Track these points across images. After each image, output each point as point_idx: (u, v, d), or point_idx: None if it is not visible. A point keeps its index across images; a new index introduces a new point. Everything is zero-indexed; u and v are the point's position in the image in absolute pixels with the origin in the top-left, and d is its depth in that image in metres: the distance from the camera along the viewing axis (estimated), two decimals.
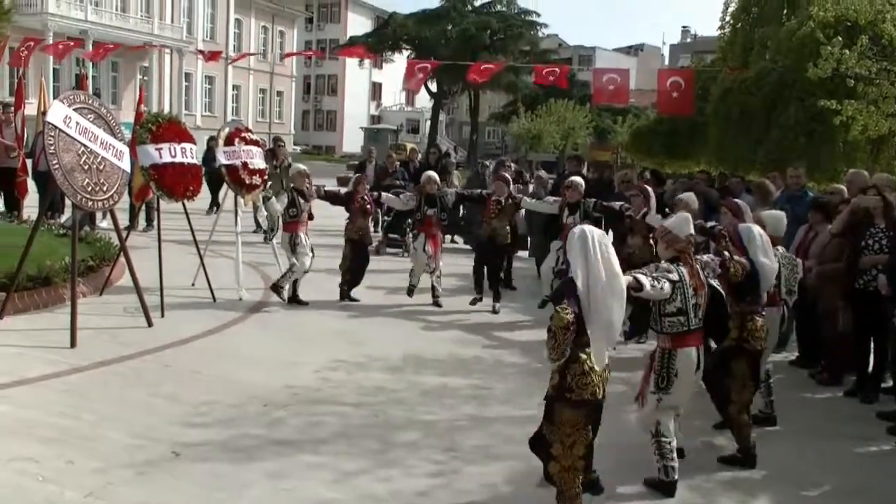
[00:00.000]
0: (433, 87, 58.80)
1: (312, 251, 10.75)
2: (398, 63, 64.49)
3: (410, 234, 12.17)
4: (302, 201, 10.63)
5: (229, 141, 11.24)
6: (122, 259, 10.29)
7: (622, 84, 16.78)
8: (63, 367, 7.48)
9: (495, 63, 20.23)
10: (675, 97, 16.28)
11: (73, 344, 8.09)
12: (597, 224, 10.81)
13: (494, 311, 11.12)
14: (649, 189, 10.32)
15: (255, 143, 11.63)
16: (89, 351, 7.99)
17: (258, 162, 11.30)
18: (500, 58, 57.18)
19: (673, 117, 19.51)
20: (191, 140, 10.34)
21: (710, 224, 8.92)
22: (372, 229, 12.98)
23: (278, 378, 7.62)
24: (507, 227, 11.23)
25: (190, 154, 10.12)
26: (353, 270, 11.20)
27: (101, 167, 8.79)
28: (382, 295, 11.50)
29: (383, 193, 11.81)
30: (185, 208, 11.33)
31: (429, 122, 64.26)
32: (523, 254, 14.34)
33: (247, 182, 10.94)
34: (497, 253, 11.30)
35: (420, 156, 17.23)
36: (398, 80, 68.69)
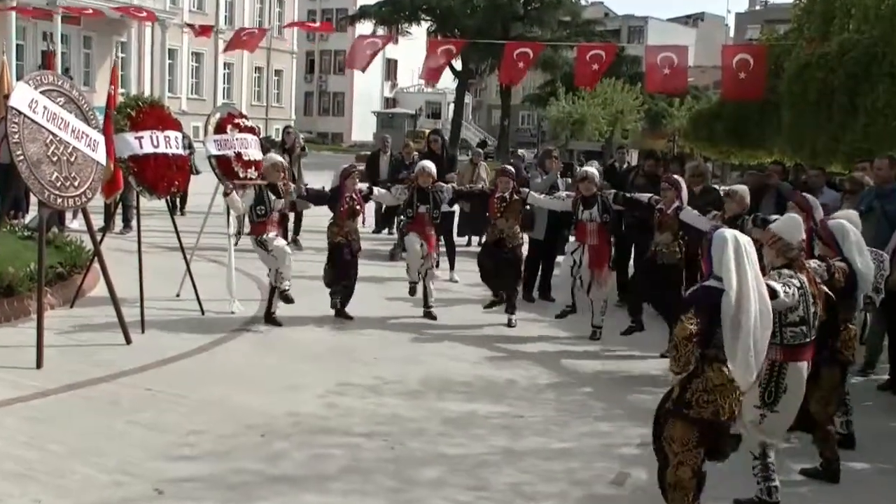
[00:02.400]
0: (457, 64, 58.77)
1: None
2: (416, 37, 64.60)
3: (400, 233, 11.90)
4: (273, 198, 10.37)
5: (220, 128, 11.30)
6: (95, 265, 10.37)
7: (679, 66, 16.36)
8: (28, 391, 7.52)
9: (532, 44, 19.58)
10: (744, 79, 16.07)
11: (39, 364, 8.13)
12: (617, 219, 10.88)
13: (510, 325, 11.16)
14: (681, 181, 10.38)
15: (251, 130, 11.68)
16: (58, 372, 8.03)
17: (253, 152, 11.35)
18: (535, 30, 57.24)
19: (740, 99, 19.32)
20: (176, 127, 10.41)
21: (773, 217, 8.93)
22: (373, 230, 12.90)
23: (278, 404, 7.64)
24: (517, 228, 11.21)
25: (175, 143, 10.19)
26: (343, 284, 10.93)
27: (73, 159, 8.84)
28: (397, 307, 11.52)
29: (374, 189, 11.60)
30: (168, 206, 11.42)
31: (452, 106, 64.31)
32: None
33: (241, 175, 10.98)
34: (507, 259, 11.17)
35: (437, 143, 16.46)
36: (416, 57, 68.81)
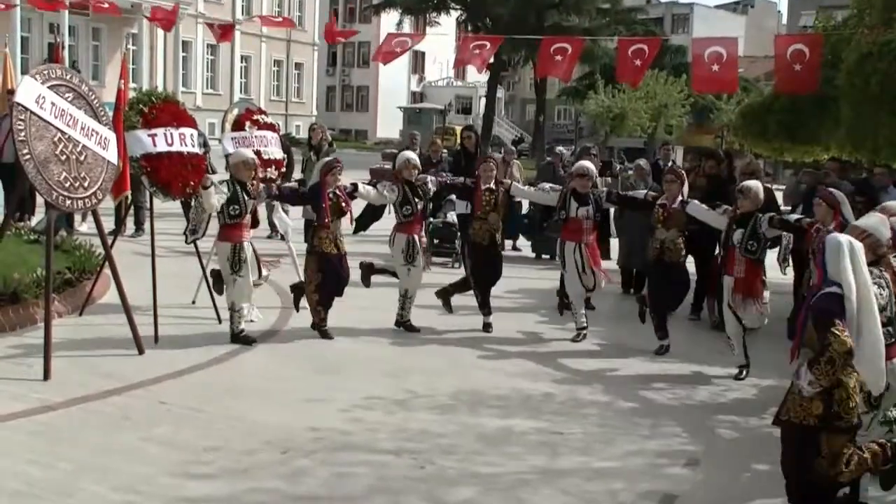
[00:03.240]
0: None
1: (261, 270, 10.33)
2: (445, 27, 64.61)
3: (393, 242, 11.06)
4: (245, 197, 9.90)
5: (238, 125, 11.32)
6: (106, 271, 10.41)
7: (729, 60, 16.08)
8: (34, 404, 7.56)
9: (570, 38, 19.21)
10: (798, 71, 15.83)
11: (46, 375, 8.17)
12: (605, 216, 11.04)
13: (486, 329, 11.14)
14: (685, 174, 10.74)
15: (270, 126, 11.69)
16: (66, 384, 8.07)
17: (274, 150, 11.36)
18: (572, 19, 57.13)
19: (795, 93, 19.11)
20: (191, 124, 10.43)
21: (794, 217, 9.57)
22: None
23: (299, 418, 7.65)
24: (501, 223, 11.24)
25: (190, 141, 10.20)
26: (328, 292, 10.39)
27: (83, 158, 8.87)
28: (427, 315, 11.48)
29: (360, 185, 10.85)
30: (183, 208, 11.45)
31: (484, 101, 64.21)
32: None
33: (260, 175, 10.99)
34: (497, 259, 11.31)
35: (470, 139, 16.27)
36: (445, 49, 68.72)
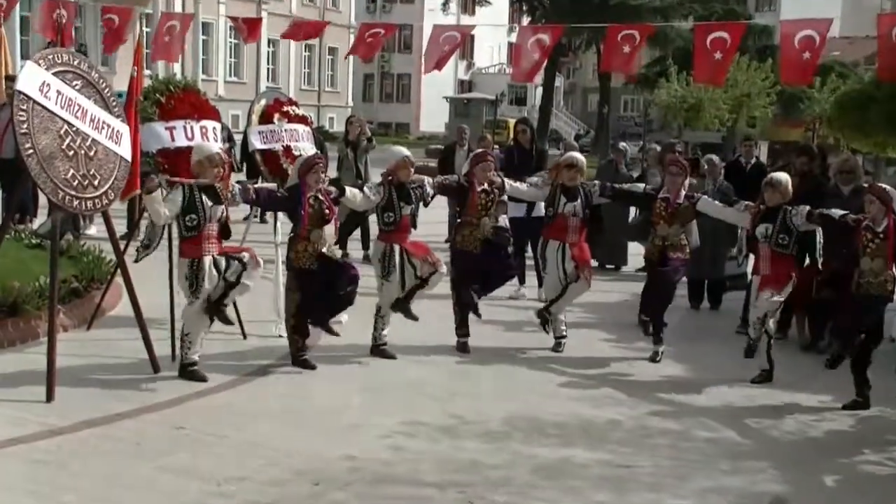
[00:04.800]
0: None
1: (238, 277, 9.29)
2: (497, 6, 64.63)
3: (371, 250, 10.93)
4: (207, 203, 9.16)
5: (266, 117, 11.37)
6: (118, 280, 10.48)
7: (821, 44, 15.72)
8: (36, 429, 7.62)
9: (639, 25, 18.92)
10: None
11: (49, 397, 8.24)
12: (595, 214, 11.22)
13: (463, 349, 10.97)
14: (689, 165, 11.13)
15: (302, 119, 11.72)
16: (72, 406, 8.13)
17: (305, 146, 11.39)
18: None
19: None
20: (213, 116, 10.48)
21: (839, 212, 9.74)
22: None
23: (334, 446, 7.67)
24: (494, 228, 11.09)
25: (212, 135, 10.25)
26: (316, 307, 9.87)
27: (92, 153, 8.92)
28: (476, 331, 11.46)
29: (347, 189, 10.44)
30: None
31: (540, 90, 64.08)
32: None
33: (290, 173, 11.04)
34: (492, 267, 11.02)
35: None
36: (496, 32, 68.73)
